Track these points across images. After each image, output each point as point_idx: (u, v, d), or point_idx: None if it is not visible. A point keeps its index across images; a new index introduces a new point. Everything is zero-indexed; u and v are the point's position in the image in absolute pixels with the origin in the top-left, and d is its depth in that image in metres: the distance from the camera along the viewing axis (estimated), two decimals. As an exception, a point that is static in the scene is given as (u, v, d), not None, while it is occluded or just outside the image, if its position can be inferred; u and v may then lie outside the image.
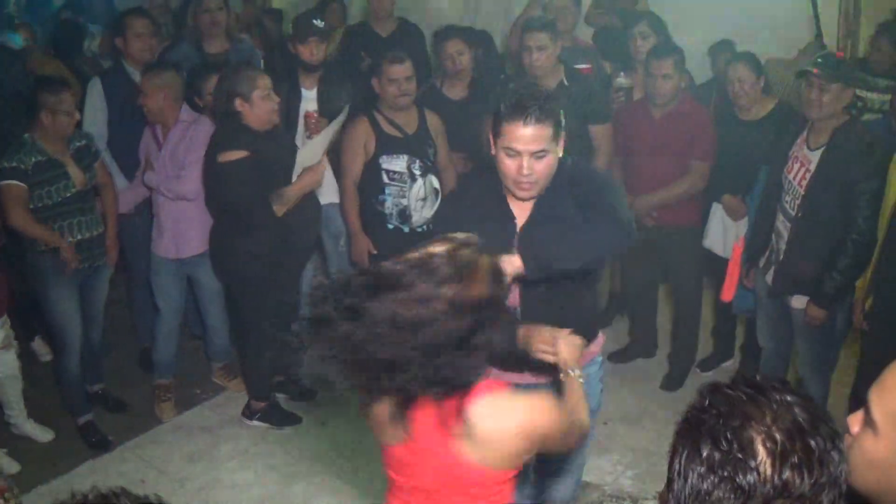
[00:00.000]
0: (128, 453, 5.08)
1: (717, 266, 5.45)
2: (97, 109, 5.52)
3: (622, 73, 5.77)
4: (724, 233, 5.36)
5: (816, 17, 6.07)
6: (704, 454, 1.45)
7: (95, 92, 5.58)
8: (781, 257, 4.53)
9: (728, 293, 5.18)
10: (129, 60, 5.62)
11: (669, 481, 1.53)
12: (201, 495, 4.74)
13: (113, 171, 5.38)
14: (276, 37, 7.62)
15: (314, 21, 5.42)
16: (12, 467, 4.89)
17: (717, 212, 5.39)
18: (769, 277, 4.65)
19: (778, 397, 1.48)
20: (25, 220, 4.74)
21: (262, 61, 6.18)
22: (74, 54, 7.04)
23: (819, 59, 4.37)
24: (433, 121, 5.33)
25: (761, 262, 4.76)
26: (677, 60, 5.15)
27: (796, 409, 1.47)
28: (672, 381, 5.65)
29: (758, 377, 1.54)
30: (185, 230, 5.20)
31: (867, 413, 1.64)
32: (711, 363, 5.82)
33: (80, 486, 4.98)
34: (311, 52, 5.44)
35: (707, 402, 1.51)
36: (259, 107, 4.60)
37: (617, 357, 5.94)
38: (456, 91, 5.80)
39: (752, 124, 5.14)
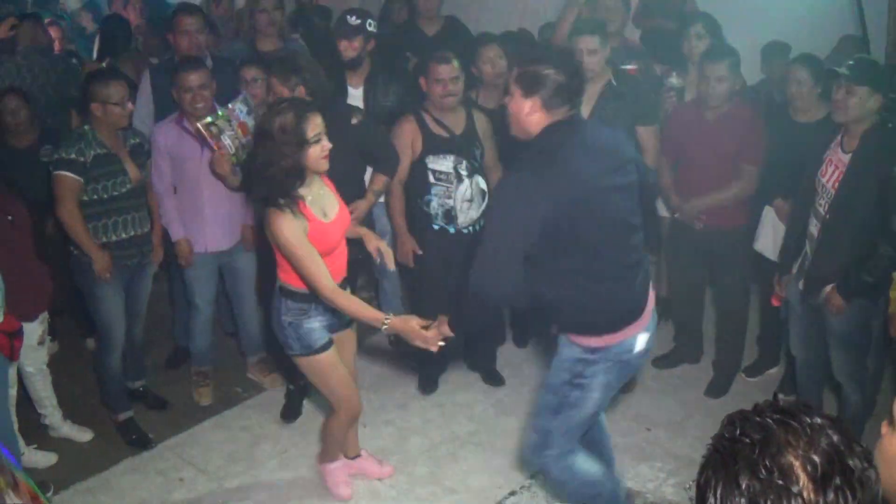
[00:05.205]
0: (168, 452, 5.07)
1: (766, 270, 5.35)
2: (143, 104, 5.55)
3: (674, 74, 5.69)
4: (774, 236, 5.26)
5: (863, 21, 5.95)
6: (744, 485, 1.42)
7: (144, 86, 5.62)
8: (811, 261, 4.48)
9: (777, 298, 5.09)
10: (179, 56, 5.59)
11: None
12: (240, 495, 4.72)
13: None
14: (323, 34, 7.61)
15: (347, 17, 5.40)
16: (49, 459, 4.92)
17: (769, 215, 5.31)
18: (801, 284, 4.59)
19: (809, 420, 1.47)
20: (73, 215, 4.71)
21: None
22: (121, 51, 7.04)
23: (851, 62, 4.31)
24: (481, 121, 5.26)
25: (794, 269, 4.70)
26: (732, 63, 5.05)
27: (829, 431, 1.46)
28: (717, 388, 5.53)
29: (781, 400, 1.52)
30: (218, 224, 5.23)
31: (890, 414, 1.71)
32: (757, 369, 5.71)
33: (119, 484, 4.96)
34: (345, 48, 5.43)
35: (738, 431, 1.48)
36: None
37: (661, 362, 5.86)
38: (492, 101, 5.60)
39: (807, 127, 5.04)
